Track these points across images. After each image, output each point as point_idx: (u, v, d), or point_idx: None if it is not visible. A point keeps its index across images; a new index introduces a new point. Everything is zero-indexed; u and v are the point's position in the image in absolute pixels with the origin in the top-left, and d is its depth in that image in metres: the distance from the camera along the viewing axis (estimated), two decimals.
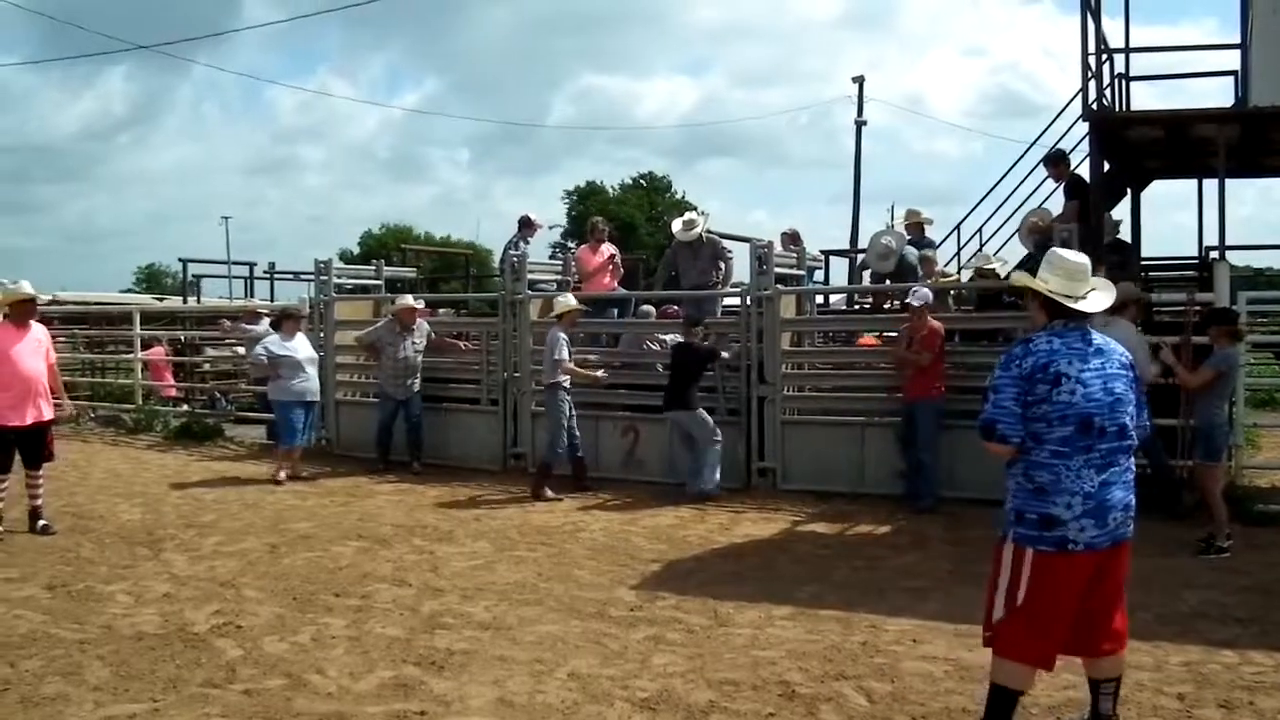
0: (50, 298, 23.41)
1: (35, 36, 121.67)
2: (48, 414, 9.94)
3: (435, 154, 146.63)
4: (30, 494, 9.97)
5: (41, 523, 9.95)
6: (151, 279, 76.12)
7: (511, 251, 14.78)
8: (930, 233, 15.28)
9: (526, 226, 15.65)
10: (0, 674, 6.17)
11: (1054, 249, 5.21)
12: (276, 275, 24.18)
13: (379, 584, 8.11)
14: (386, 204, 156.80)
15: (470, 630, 6.94)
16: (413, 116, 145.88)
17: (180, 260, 25.69)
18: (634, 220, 64.19)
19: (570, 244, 50.23)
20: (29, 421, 9.72)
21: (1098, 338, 4.84)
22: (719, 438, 11.45)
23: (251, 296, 23.52)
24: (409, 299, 13.36)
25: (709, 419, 11.49)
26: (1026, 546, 4.68)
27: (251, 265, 25.00)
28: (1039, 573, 4.66)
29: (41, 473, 10.07)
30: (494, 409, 13.25)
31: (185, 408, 18.43)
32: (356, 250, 64.27)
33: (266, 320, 16.36)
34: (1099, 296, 4.87)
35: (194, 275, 24.91)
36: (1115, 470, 4.69)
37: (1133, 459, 4.83)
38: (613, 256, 14.68)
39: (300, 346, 13.19)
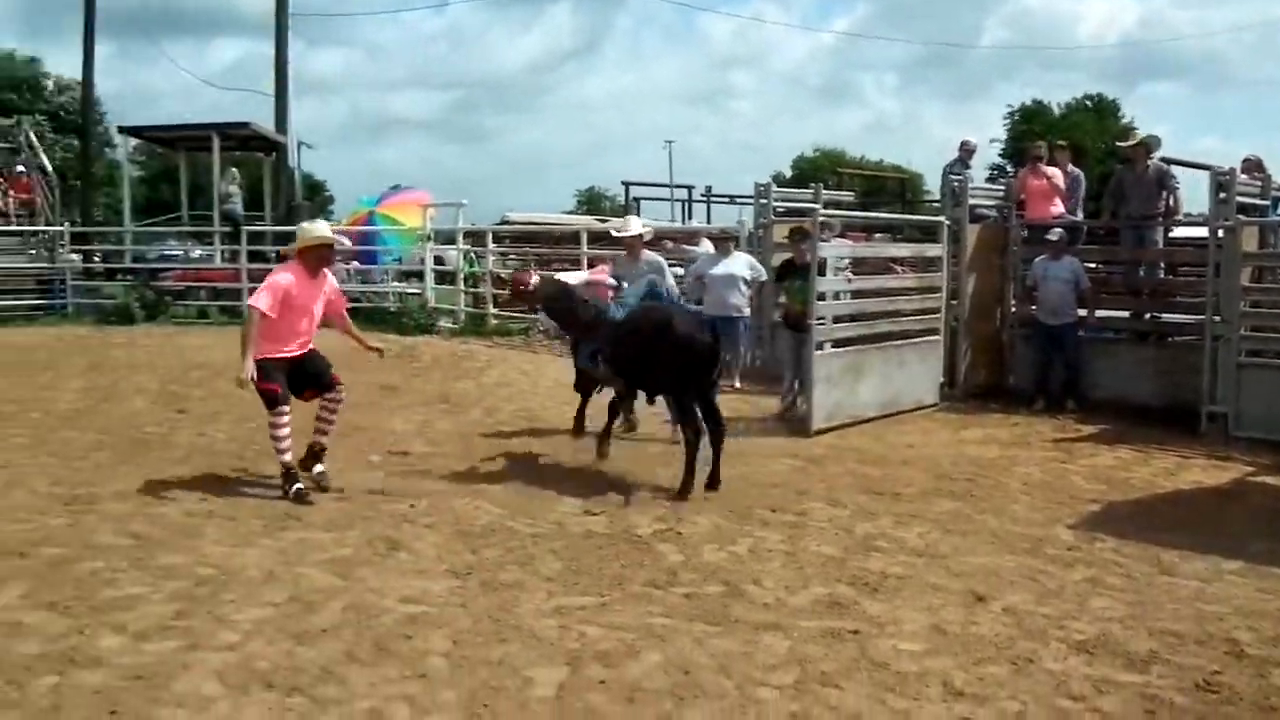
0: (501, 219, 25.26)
1: None
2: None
3: (865, 79, 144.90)
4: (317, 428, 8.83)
5: (319, 469, 8.66)
6: (591, 201, 79.50)
7: (952, 175, 14.56)
8: None
9: (966, 150, 15.38)
10: (464, 559, 6.82)
11: None
12: (713, 199, 24.80)
13: (814, 503, 8.31)
14: (817, 129, 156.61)
15: (904, 555, 7.03)
16: (842, 42, 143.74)
17: (623, 183, 26.88)
18: (1083, 144, 60.40)
19: (1009, 168, 48.62)
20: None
21: None
22: None
23: (689, 219, 24.27)
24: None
25: None
26: None
27: (690, 188, 25.83)
28: None
29: (334, 404, 8.78)
30: (935, 339, 13.02)
31: None
32: (789, 174, 64.61)
33: (707, 243, 16.90)
34: None
35: (634, 197, 26.00)
36: None
37: None
38: (1051, 180, 14.14)
39: (727, 266, 13.69)
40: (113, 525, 7.46)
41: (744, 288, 13.80)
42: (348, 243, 9.88)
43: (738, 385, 13.71)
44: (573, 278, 10.30)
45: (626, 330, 9.14)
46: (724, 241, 14.54)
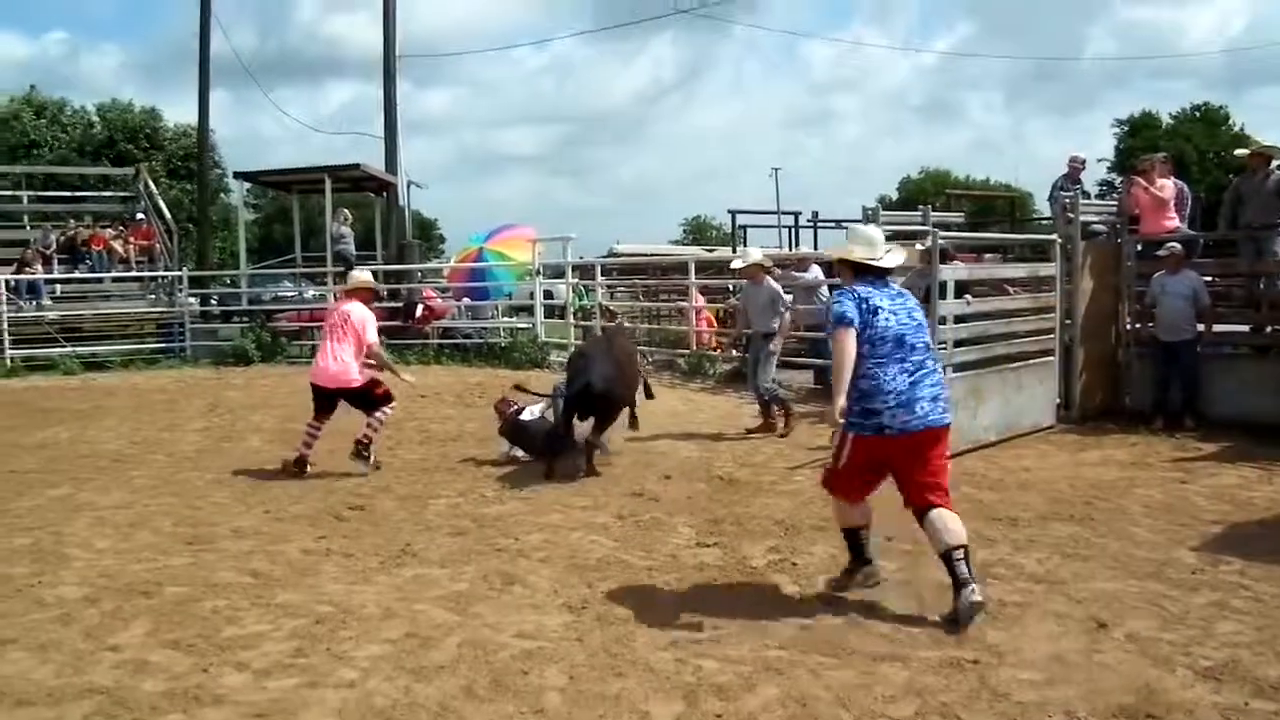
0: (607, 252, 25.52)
1: (592, 8, 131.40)
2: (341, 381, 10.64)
3: (969, 97, 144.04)
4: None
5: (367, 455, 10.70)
6: (698, 230, 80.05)
7: (1062, 192, 14.34)
8: None
9: (1074, 167, 15.16)
10: (580, 594, 6.85)
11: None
12: (820, 224, 24.78)
13: None
14: (922, 149, 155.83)
15: (1022, 582, 6.92)
16: (945, 61, 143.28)
17: (729, 211, 27.03)
18: (1184, 154, 58.68)
19: (1118, 181, 47.78)
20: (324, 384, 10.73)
21: None
22: None
23: (796, 245, 24.25)
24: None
25: None
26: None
27: (796, 215, 25.88)
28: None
29: (374, 416, 10.73)
30: (1050, 359, 12.70)
31: (734, 353, 19.34)
32: (895, 196, 64.32)
33: (816, 268, 16.83)
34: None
35: (741, 225, 26.05)
36: None
37: None
38: (1161, 192, 13.81)
39: None
40: (233, 564, 7.67)
41: None
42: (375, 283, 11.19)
43: None
44: (535, 409, 11.36)
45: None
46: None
